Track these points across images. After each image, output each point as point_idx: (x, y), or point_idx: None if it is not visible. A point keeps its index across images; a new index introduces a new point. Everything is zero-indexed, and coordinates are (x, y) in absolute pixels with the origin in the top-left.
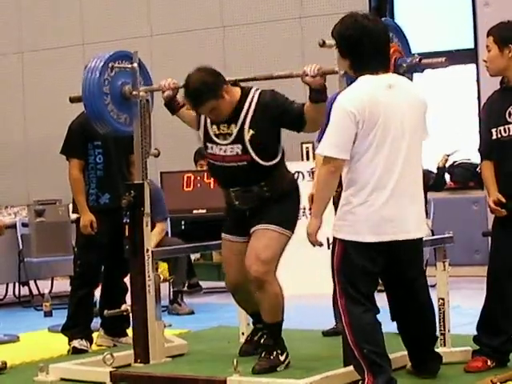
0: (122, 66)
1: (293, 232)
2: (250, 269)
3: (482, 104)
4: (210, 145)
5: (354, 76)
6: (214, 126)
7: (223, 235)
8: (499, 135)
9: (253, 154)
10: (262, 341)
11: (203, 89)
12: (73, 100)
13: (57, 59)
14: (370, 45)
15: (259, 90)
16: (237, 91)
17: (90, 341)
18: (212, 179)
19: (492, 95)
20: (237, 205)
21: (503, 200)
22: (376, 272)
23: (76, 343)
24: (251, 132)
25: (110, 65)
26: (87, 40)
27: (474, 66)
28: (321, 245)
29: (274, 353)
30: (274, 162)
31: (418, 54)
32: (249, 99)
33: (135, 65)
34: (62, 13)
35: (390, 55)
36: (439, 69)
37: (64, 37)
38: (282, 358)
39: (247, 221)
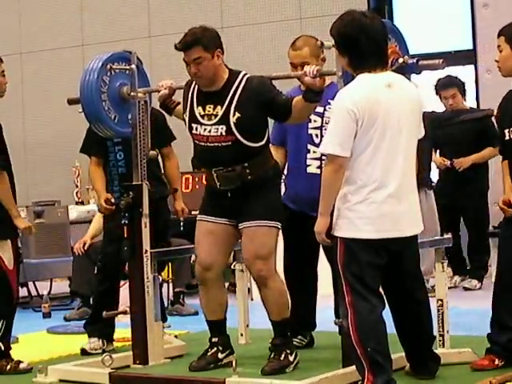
0: (120, 67)
1: (281, 221)
2: (251, 268)
3: (480, 105)
4: (194, 125)
5: (353, 73)
6: (200, 107)
7: (198, 217)
8: (510, 136)
9: (237, 135)
10: (218, 356)
11: (199, 35)
12: (71, 102)
13: (56, 60)
14: (367, 43)
15: (248, 75)
16: (225, 70)
17: (110, 340)
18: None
19: (506, 95)
20: (218, 186)
21: None
22: (382, 265)
23: (87, 345)
24: (237, 115)
25: (108, 66)
26: (86, 41)
27: (472, 67)
28: (329, 244)
29: (283, 353)
30: (259, 144)
31: (417, 55)
32: (237, 82)
33: (133, 66)
34: (61, 14)
35: (387, 53)
36: (437, 70)
37: (63, 38)
38: (291, 359)
39: (228, 203)
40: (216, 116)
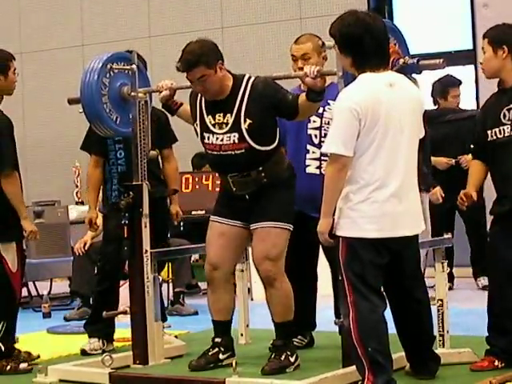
0: (120, 67)
1: (292, 223)
2: (259, 268)
3: (480, 105)
4: (206, 135)
5: (354, 73)
6: (210, 116)
7: (212, 217)
8: (494, 137)
9: (250, 142)
10: (219, 356)
11: (198, 52)
12: (71, 102)
13: (56, 60)
14: (371, 42)
15: (252, 79)
16: (229, 78)
17: (110, 340)
18: (211, 169)
19: (490, 97)
20: (235, 191)
21: (474, 198)
22: (383, 264)
23: (87, 345)
24: (248, 121)
25: (109, 66)
26: (86, 41)
27: (472, 67)
28: (332, 244)
29: (284, 354)
30: (271, 147)
31: (417, 55)
32: (242, 87)
33: (134, 66)
34: (61, 14)
35: (389, 52)
36: (437, 70)
37: (63, 38)
38: (292, 360)
39: (244, 205)
40: (227, 124)
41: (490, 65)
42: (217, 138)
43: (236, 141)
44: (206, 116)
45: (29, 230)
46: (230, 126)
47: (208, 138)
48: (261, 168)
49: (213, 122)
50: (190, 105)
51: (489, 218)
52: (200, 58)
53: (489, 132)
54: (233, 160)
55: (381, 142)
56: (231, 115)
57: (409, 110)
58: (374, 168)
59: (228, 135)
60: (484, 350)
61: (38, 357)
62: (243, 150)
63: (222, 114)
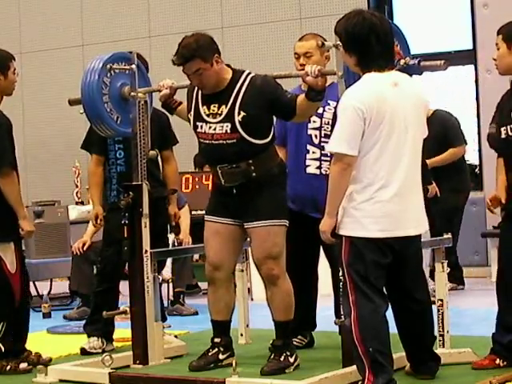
0: (120, 67)
1: (287, 219)
2: (261, 268)
3: (480, 105)
4: (199, 123)
5: (359, 73)
6: (205, 107)
7: (206, 217)
8: (506, 135)
9: (242, 133)
10: (219, 357)
11: (194, 46)
12: (72, 103)
13: (56, 60)
14: (377, 42)
15: (251, 74)
16: (228, 71)
17: (109, 339)
18: (204, 160)
19: (504, 94)
20: (223, 183)
21: (503, 201)
22: (386, 264)
23: (87, 344)
24: (242, 114)
25: (109, 66)
26: (86, 41)
27: (472, 67)
28: (334, 242)
29: (284, 354)
30: (264, 141)
31: (417, 55)
32: (240, 81)
33: (134, 66)
34: (61, 14)
35: (395, 53)
36: (438, 71)
37: (63, 38)
38: (291, 360)
39: (234, 201)
40: (220, 115)
41: (504, 61)
42: (209, 127)
43: (228, 131)
44: (200, 106)
45: (26, 230)
46: (223, 116)
47: (201, 127)
48: (251, 161)
49: (207, 112)
50: (187, 97)
51: (489, 215)
52: (195, 51)
53: (502, 129)
54: (224, 149)
55: (385, 142)
56: (226, 106)
57: (413, 110)
58: (379, 167)
59: (221, 125)
60: (484, 350)
61: (50, 360)
62: (234, 140)
63: (216, 105)
